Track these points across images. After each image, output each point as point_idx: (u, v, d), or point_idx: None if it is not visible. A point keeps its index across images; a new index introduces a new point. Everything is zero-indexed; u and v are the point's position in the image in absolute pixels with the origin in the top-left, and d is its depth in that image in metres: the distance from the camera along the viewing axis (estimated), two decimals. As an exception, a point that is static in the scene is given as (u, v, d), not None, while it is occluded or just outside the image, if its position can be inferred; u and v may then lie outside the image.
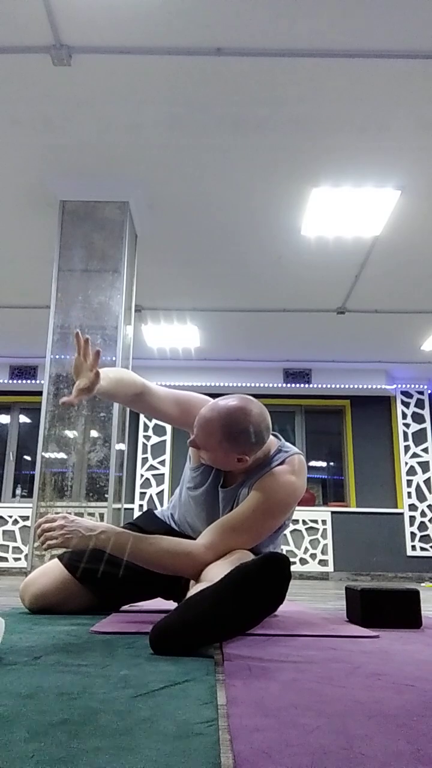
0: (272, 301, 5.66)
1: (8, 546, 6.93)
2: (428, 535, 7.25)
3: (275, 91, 3.15)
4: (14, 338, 6.76)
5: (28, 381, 7.45)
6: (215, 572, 1.46)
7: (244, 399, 1.67)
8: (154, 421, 7.53)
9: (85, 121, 3.42)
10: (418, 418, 7.64)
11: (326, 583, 6.14)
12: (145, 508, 7.15)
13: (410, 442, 7.55)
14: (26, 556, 6.79)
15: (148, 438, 7.51)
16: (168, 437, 7.49)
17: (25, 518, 6.95)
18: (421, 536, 7.23)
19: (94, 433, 3.55)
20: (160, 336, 6.50)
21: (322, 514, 7.18)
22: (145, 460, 7.45)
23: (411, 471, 7.46)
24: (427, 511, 7.34)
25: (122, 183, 3.92)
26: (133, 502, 7.24)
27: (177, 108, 3.29)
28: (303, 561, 7.01)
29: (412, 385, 7.70)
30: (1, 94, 3.22)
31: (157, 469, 7.44)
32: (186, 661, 1.07)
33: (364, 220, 4.24)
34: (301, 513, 7.05)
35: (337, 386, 7.48)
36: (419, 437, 7.58)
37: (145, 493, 7.35)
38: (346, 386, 7.49)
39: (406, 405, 7.68)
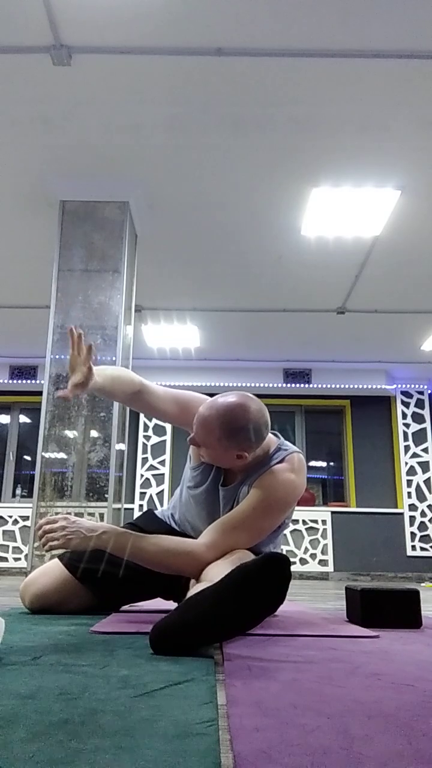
0: (272, 301, 5.66)
1: (8, 546, 6.93)
2: (428, 535, 7.25)
3: (275, 91, 3.15)
4: (14, 338, 6.76)
5: (28, 381, 7.45)
6: (215, 572, 1.46)
7: (243, 396, 1.68)
8: (154, 421, 7.53)
9: (85, 121, 3.42)
10: (418, 418, 7.64)
11: (326, 583, 6.14)
12: (145, 508, 7.15)
13: (410, 442, 7.55)
14: (26, 556, 6.79)
15: (148, 438, 7.51)
16: (168, 437, 7.49)
17: (25, 518, 6.95)
18: (421, 536, 7.23)
19: (94, 433, 3.55)
20: (160, 336, 6.50)
21: (322, 514, 7.17)
22: (145, 460, 7.45)
23: (411, 471, 7.46)
24: (427, 511, 7.34)
25: (122, 183, 3.92)
26: (133, 502, 7.24)
27: (177, 108, 3.29)
28: (303, 561, 7.01)
29: (412, 385, 7.70)
30: (1, 94, 3.23)
31: (157, 469, 7.44)
32: (186, 661, 1.07)
33: (364, 220, 4.24)
34: (301, 513, 7.05)
35: (337, 386, 7.48)
36: (419, 437, 7.58)
37: (145, 493, 7.35)
38: (346, 386, 7.49)
39: (406, 405, 7.68)
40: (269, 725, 0.68)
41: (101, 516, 3.41)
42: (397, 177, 3.81)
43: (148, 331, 6.34)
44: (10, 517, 7.04)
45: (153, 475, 7.42)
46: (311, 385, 7.47)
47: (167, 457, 7.45)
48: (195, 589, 1.41)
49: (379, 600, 1.70)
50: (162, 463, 7.44)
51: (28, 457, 7.77)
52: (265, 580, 1.18)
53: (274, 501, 1.68)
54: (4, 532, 6.98)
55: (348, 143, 3.52)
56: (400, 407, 7.65)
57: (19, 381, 7.48)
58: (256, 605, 1.18)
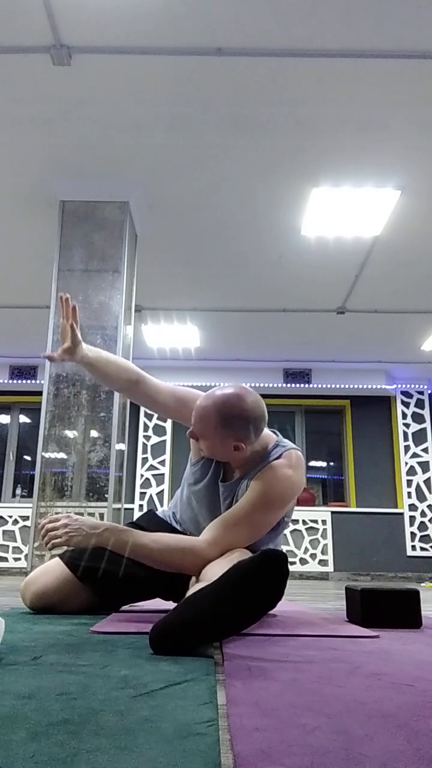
0: (272, 301, 5.66)
1: (8, 546, 6.93)
2: (428, 535, 7.25)
3: (275, 91, 3.15)
4: (14, 338, 6.76)
5: (28, 381, 7.46)
6: (214, 571, 1.47)
7: (240, 387, 1.71)
8: (154, 421, 7.53)
9: (85, 121, 3.42)
10: (418, 418, 7.64)
11: (326, 583, 6.14)
12: (145, 508, 7.15)
13: (410, 442, 7.55)
14: (26, 556, 6.79)
15: (148, 438, 7.51)
16: (168, 437, 7.49)
17: (25, 518, 6.95)
18: (421, 536, 7.23)
19: (94, 433, 3.55)
20: (160, 336, 6.50)
21: (322, 514, 7.17)
22: (145, 460, 7.45)
23: (411, 471, 7.46)
24: (427, 511, 7.34)
25: (122, 183, 3.92)
26: (133, 502, 7.24)
27: (177, 108, 3.29)
28: (303, 561, 7.00)
29: (412, 385, 7.70)
30: (1, 94, 3.23)
31: (157, 469, 7.44)
32: (186, 661, 1.07)
33: (364, 220, 4.24)
34: (301, 513, 7.05)
35: (337, 386, 7.48)
36: (419, 437, 7.58)
37: (145, 493, 7.35)
38: (346, 386, 7.49)
39: (406, 405, 7.68)
40: (269, 725, 0.68)
41: (101, 516, 3.41)
42: (397, 177, 3.81)
43: (148, 331, 6.34)
44: (10, 517, 7.04)
45: (153, 475, 7.42)
46: (311, 385, 7.47)
47: (167, 457, 7.45)
48: (194, 588, 1.42)
49: (379, 600, 1.70)
50: (162, 463, 7.44)
51: (28, 457, 7.77)
52: (263, 577, 1.18)
53: (273, 496, 1.69)
54: (4, 532, 6.98)
55: (348, 143, 3.52)
56: (400, 407, 7.65)
57: (19, 381, 7.48)
58: (255, 602, 1.19)
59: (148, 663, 1.04)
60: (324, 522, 7.13)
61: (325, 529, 7.11)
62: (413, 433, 7.58)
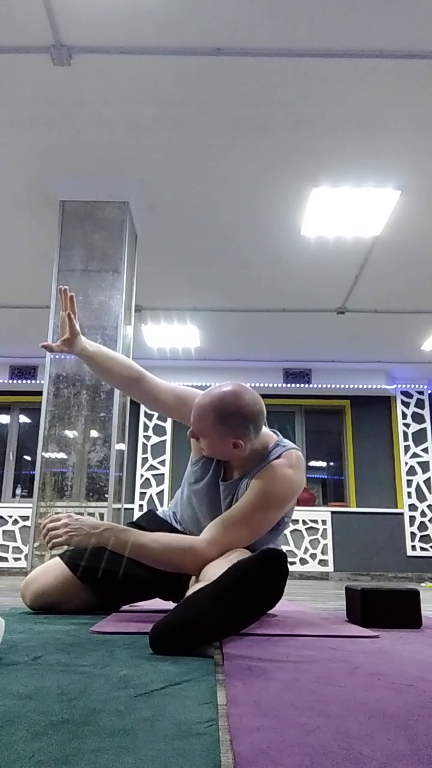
0: (272, 301, 5.66)
1: (8, 546, 6.93)
2: (428, 535, 7.25)
3: (275, 91, 3.15)
4: (14, 338, 6.76)
5: (28, 381, 7.46)
6: (214, 571, 1.47)
7: (238, 384, 1.72)
8: (154, 421, 7.53)
9: (85, 121, 3.42)
10: (418, 418, 7.64)
11: (326, 583, 6.14)
12: (145, 508, 7.15)
13: (410, 442, 7.55)
14: (26, 556, 6.79)
15: (148, 438, 7.51)
16: (168, 437, 7.49)
17: (25, 518, 6.95)
18: (421, 536, 7.23)
19: (94, 433, 3.55)
20: (160, 336, 6.50)
21: (322, 514, 7.17)
22: (145, 460, 7.45)
23: (411, 471, 7.46)
24: (427, 511, 7.34)
25: (122, 183, 3.92)
26: (133, 502, 7.24)
27: (177, 108, 3.29)
28: (303, 561, 7.00)
29: (412, 385, 7.70)
30: (1, 94, 3.23)
31: (157, 469, 7.44)
32: (186, 661, 1.07)
33: (364, 220, 4.24)
34: (301, 513, 7.06)
35: (337, 386, 7.48)
36: (419, 437, 7.58)
37: (145, 493, 7.35)
38: (346, 386, 7.49)
39: (406, 405, 7.68)
40: (269, 725, 0.68)
41: (101, 516, 3.41)
42: (397, 177, 3.81)
43: (148, 331, 6.34)
44: (10, 517, 7.04)
45: (153, 475, 7.42)
46: (311, 385, 7.47)
47: (167, 457, 7.45)
48: (194, 588, 1.42)
49: (379, 600, 1.70)
50: (162, 463, 7.44)
51: (28, 457, 7.77)
52: (263, 576, 1.18)
53: (273, 495, 1.70)
54: (4, 532, 6.98)
55: (348, 143, 3.52)
56: (400, 407, 7.65)
57: (19, 381, 7.48)
58: (255, 602, 1.19)
59: (148, 663, 1.04)
60: (324, 522, 7.13)
61: (325, 529, 7.11)
62: (413, 433, 7.58)
